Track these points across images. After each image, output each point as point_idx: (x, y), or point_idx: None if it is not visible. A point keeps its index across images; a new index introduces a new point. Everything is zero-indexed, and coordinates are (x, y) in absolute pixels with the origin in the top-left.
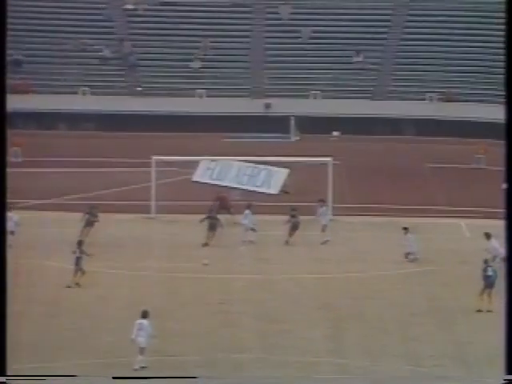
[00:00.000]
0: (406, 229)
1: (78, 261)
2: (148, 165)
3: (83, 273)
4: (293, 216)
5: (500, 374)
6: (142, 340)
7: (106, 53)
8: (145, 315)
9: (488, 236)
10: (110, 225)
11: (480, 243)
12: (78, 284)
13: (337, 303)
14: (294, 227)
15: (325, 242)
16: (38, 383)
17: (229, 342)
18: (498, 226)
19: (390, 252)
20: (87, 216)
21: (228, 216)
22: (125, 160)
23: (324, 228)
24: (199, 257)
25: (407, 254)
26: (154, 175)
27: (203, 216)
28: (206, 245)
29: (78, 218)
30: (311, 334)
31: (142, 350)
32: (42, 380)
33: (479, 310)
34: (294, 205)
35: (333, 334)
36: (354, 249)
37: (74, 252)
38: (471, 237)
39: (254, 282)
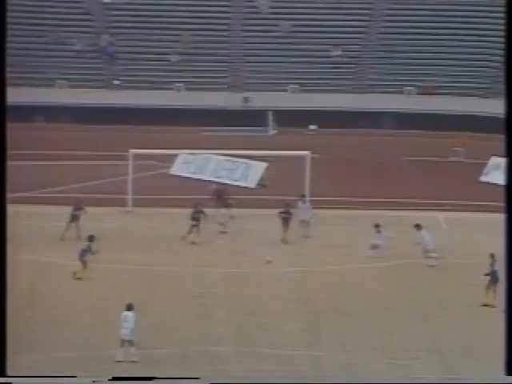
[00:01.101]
0: (417, 226)
1: (83, 253)
2: (125, 158)
3: (85, 266)
4: (284, 212)
5: (476, 366)
6: (125, 332)
7: (84, 46)
8: (130, 308)
9: (418, 227)
10: (87, 218)
11: (456, 236)
12: (79, 278)
13: (313, 296)
14: (285, 223)
15: (304, 237)
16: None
17: (205, 334)
18: (475, 218)
19: (367, 245)
20: (73, 211)
21: (224, 210)
22: (102, 153)
23: (304, 224)
24: (176, 250)
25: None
26: (131, 169)
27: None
28: (189, 239)
29: (54, 211)
30: (287, 327)
31: (123, 342)
32: (41, 380)
33: (485, 305)
34: (286, 200)
35: (309, 327)
36: (331, 242)
37: (85, 245)
38: (448, 230)
39: (231, 276)
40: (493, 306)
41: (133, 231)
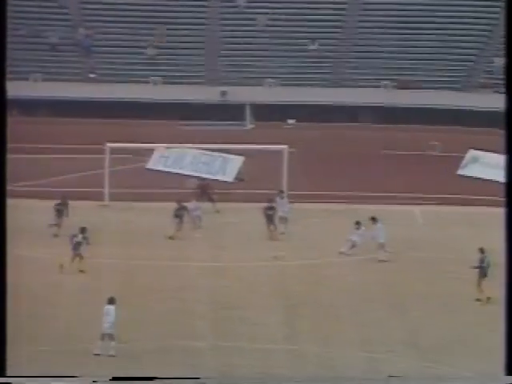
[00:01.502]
0: (373, 219)
1: (76, 246)
2: (102, 152)
3: (81, 258)
4: (269, 208)
5: (453, 360)
6: (106, 326)
7: (59, 39)
8: (111, 301)
9: (374, 220)
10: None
11: (432, 230)
12: (81, 271)
13: (291, 290)
14: (269, 220)
15: (282, 233)
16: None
17: (183, 329)
18: (453, 212)
19: (345, 239)
20: (58, 206)
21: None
22: (78, 147)
23: (281, 220)
24: (153, 244)
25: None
26: (107, 162)
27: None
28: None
29: (29, 205)
30: (265, 321)
31: (104, 336)
32: (41, 380)
33: (478, 299)
34: (267, 194)
35: (287, 321)
36: (309, 236)
37: (75, 236)
38: (424, 223)
39: (209, 269)
40: (483, 301)
41: (110, 225)
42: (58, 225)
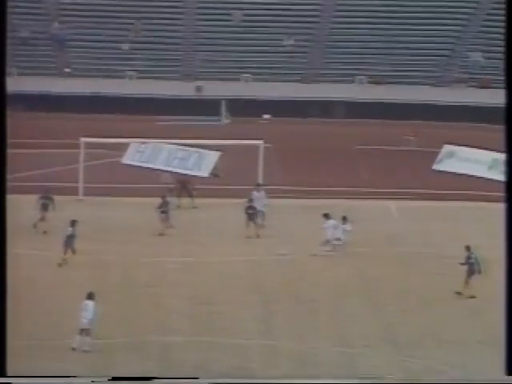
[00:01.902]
0: (326, 215)
1: (68, 240)
2: (76, 146)
3: (74, 252)
4: (249, 207)
5: (428, 354)
6: (84, 321)
7: (30, 33)
8: (90, 296)
9: (327, 216)
10: (37, 207)
11: (408, 225)
12: (65, 261)
13: (268, 285)
14: (250, 218)
15: (260, 226)
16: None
17: (158, 324)
18: (428, 207)
19: (321, 234)
20: (43, 200)
21: (188, 199)
22: (52, 141)
23: (259, 213)
24: (127, 240)
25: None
26: (82, 157)
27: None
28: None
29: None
30: (242, 316)
31: (82, 331)
32: (41, 380)
33: (458, 293)
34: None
35: (264, 316)
36: (285, 231)
37: (67, 231)
38: (400, 219)
39: (184, 265)
40: (474, 297)
41: (84, 220)
42: (42, 219)
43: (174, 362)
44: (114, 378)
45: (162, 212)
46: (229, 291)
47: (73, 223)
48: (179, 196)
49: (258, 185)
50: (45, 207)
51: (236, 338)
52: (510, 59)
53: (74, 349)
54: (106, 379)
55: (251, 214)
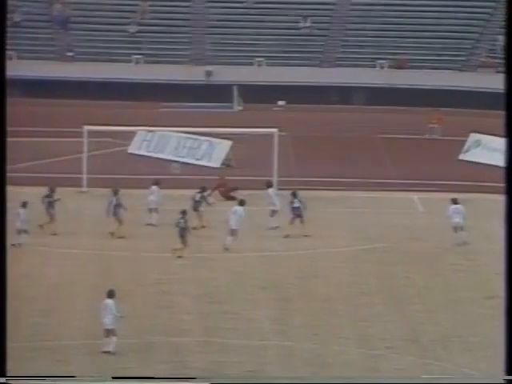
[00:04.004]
0: (241, 201)
1: (116, 209)
2: (79, 135)
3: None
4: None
5: (453, 356)
6: (106, 321)
7: (32, 14)
8: (110, 295)
9: (242, 203)
10: (39, 200)
11: (433, 218)
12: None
13: (283, 282)
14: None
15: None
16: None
17: (167, 324)
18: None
19: (339, 228)
20: (48, 198)
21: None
22: (54, 129)
23: (273, 213)
24: (134, 234)
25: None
26: (85, 146)
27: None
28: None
29: None
30: (256, 316)
31: (107, 332)
32: (41, 380)
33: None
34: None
35: (279, 316)
36: (301, 224)
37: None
38: (424, 211)
39: (194, 261)
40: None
41: (88, 214)
42: (51, 218)
43: (184, 364)
44: (114, 378)
45: (195, 209)
46: (242, 289)
47: (115, 191)
48: (222, 198)
49: (269, 182)
50: (51, 206)
51: (249, 338)
52: (510, 43)
53: (108, 352)
54: (105, 379)
55: (296, 209)
